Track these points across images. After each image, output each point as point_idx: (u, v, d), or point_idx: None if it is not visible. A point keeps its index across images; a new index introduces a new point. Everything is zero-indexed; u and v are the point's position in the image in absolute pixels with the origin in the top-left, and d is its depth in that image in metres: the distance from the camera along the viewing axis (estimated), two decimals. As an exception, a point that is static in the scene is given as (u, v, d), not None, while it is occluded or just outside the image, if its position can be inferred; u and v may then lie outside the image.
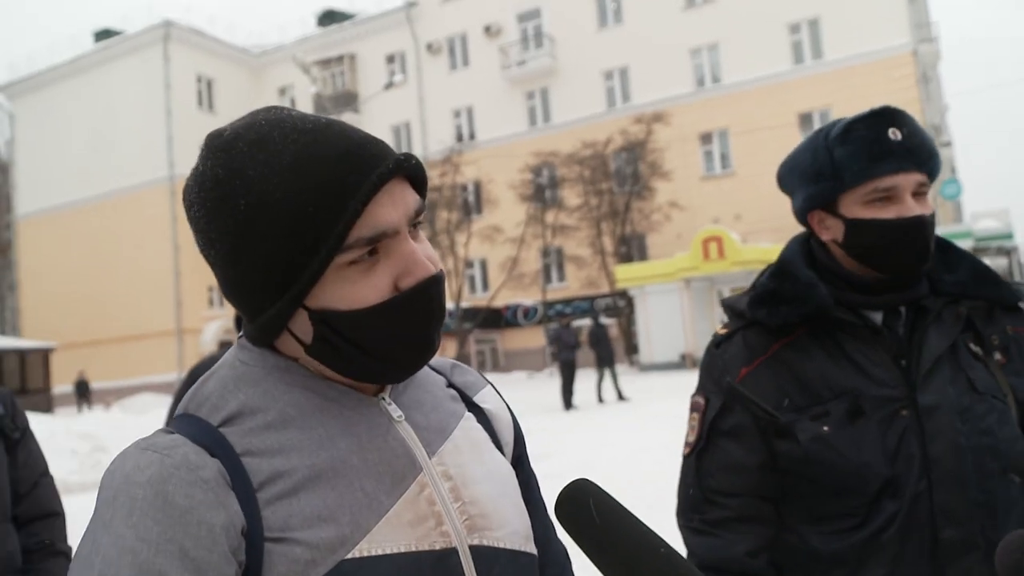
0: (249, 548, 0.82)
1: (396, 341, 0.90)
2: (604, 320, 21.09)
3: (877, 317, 1.49)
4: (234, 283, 0.90)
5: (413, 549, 0.87)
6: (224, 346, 3.20)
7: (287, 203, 0.85)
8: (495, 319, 32.26)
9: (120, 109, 34.62)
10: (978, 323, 1.49)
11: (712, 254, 23.67)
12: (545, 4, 32.80)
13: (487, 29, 33.94)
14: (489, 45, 34.11)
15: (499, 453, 1.07)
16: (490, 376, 29.20)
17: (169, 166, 33.40)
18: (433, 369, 1.11)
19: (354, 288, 0.87)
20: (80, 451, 12.23)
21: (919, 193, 1.46)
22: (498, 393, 1.15)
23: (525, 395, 19.59)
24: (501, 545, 0.96)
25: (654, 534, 0.80)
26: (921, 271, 1.49)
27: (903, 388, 1.43)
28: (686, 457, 1.59)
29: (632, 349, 28.20)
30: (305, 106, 35.95)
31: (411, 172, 0.91)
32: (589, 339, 17.76)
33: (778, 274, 1.57)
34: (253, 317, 0.91)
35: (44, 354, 26.73)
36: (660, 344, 24.96)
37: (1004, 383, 1.45)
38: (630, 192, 28.83)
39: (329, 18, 38.82)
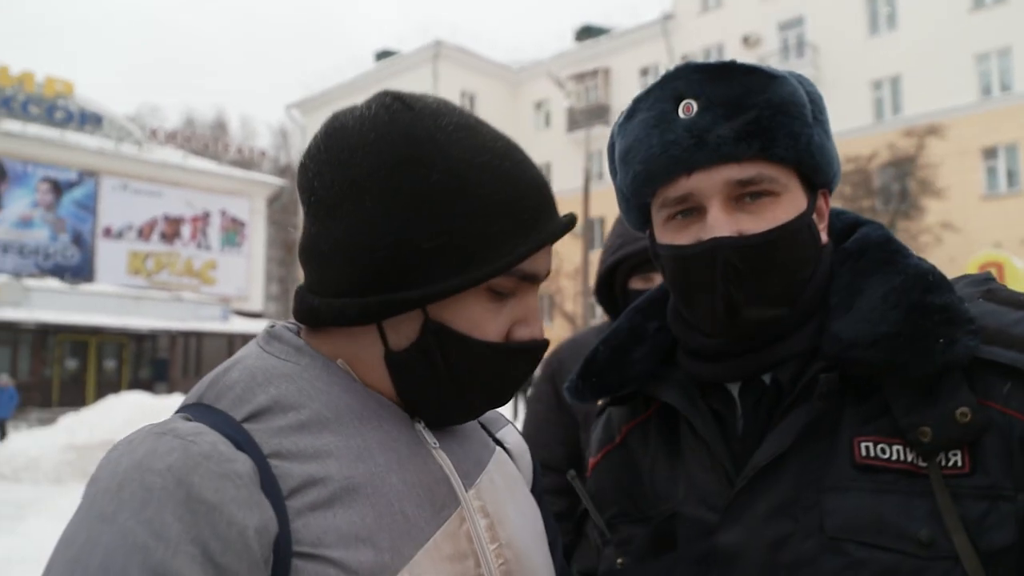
0: (275, 562, 0.70)
1: (485, 384, 0.84)
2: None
3: (734, 390, 0.99)
4: (357, 248, 0.79)
5: None
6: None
7: (487, 197, 0.78)
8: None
9: (393, 123, 37.68)
10: (898, 404, 0.87)
11: (991, 281, 21.24)
12: (809, 12, 31.27)
13: (746, 39, 32.98)
14: (747, 55, 33.09)
15: (529, 493, 0.98)
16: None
17: (432, 176, 35.82)
18: None
19: (481, 315, 0.81)
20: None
21: (755, 193, 0.92)
22: (517, 431, 1.06)
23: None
24: None
25: None
26: (749, 328, 0.94)
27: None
28: None
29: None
30: (559, 119, 36.98)
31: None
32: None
33: (608, 329, 1.14)
34: (343, 293, 0.80)
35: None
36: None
37: (952, 518, 0.81)
38: (896, 211, 26.66)
39: (586, 33, 39.64)
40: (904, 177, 26.91)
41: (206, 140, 34.52)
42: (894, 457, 0.86)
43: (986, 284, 0.94)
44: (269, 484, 0.73)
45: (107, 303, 24.94)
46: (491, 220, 0.78)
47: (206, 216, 30.45)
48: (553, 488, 2.10)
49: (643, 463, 1.06)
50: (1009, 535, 0.81)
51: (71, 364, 26.04)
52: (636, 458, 1.07)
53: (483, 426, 1.00)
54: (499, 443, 1.00)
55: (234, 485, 0.69)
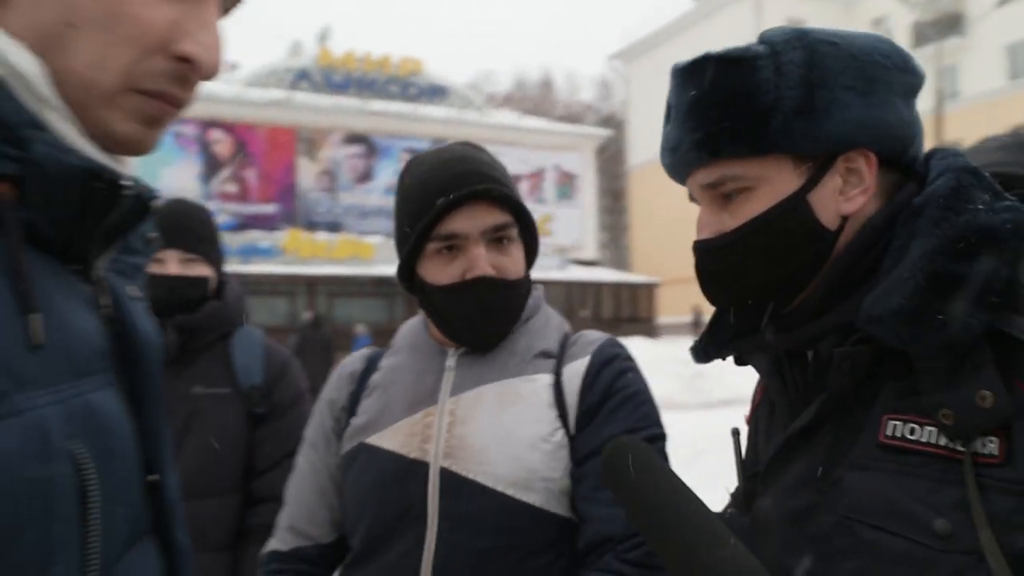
0: (347, 418, 1.34)
1: (454, 316, 1.27)
2: None
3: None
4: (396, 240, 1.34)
5: (396, 451, 1.24)
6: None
7: (409, 203, 1.27)
8: None
9: (715, 62, 36.61)
10: (924, 382, 0.79)
11: None
12: None
13: None
14: None
15: (544, 417, 1.23)
16: None
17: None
18: (564, 341, 1.35)
19: (437, 269, 1.26)
20: (683, 375, 13.71)
21: (731, 191, 0.92)
22: (599, 363, 1.27)
23: None
24: (471, 476, 1.18)
25: (689, 494, 0.77)
26: (736, 303, 0.99)
27: None
28: None
29: None
30: (901, 36, 33.44)
31: (489, 198, 1.23)
32: None
33: None
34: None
35: (650, 288, 30.29)
36: None
37: (979, 511, 0.74)
38: None
39: (932, -67, 35.17)
40: None
41: (536, 99, 36.37)
42: (925, 439, 0.79)
43: None
44: (365, 381, 1.36)
45: (460, 257, 27.62)
46: (415, 210, 1.24)
47: (541, 172, 32.19)
48: None
49: (760, 422, 1.10)
50: None
51: (434, 312, 29.35)
52: (759, 416, 1.10)
53: (557, 358, 1.30)
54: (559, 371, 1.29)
55: (339, 378, 1.39)
